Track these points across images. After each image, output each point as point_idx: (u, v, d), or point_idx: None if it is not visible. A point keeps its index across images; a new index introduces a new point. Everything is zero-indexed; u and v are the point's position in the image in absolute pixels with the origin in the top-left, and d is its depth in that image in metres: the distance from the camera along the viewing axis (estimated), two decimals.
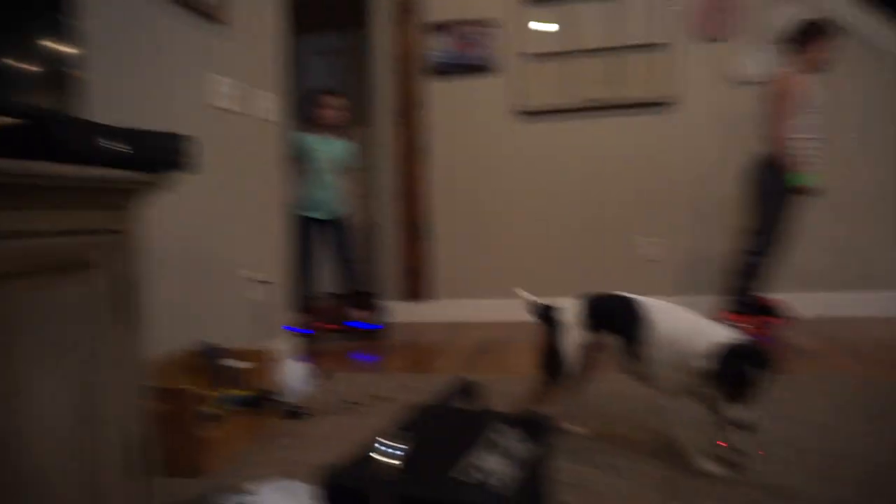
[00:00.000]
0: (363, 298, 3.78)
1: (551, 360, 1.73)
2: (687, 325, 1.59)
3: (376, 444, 0.81)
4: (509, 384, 2.43)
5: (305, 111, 3.57)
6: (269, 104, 2.74)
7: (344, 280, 3.74)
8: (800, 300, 3.51)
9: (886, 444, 1.72)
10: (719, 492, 1.48)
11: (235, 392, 2.00)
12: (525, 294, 1.89)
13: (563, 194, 3.82)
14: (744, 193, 3.05)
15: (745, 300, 2.93)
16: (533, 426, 1.07)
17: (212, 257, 2.32)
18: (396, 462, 0.81)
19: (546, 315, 1.80)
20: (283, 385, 2.35)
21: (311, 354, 3.16)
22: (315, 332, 3.53)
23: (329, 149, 3.60)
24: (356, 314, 3.67)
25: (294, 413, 2.14)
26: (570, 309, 1.76)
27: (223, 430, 1.79)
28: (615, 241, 3.76)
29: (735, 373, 1.42)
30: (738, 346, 1.47)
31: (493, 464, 0.91)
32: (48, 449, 0.96)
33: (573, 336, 1.70)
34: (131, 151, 1.03)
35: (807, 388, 2.24)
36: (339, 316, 3.72)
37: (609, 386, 2.15)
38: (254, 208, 2.64)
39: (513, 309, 3.83)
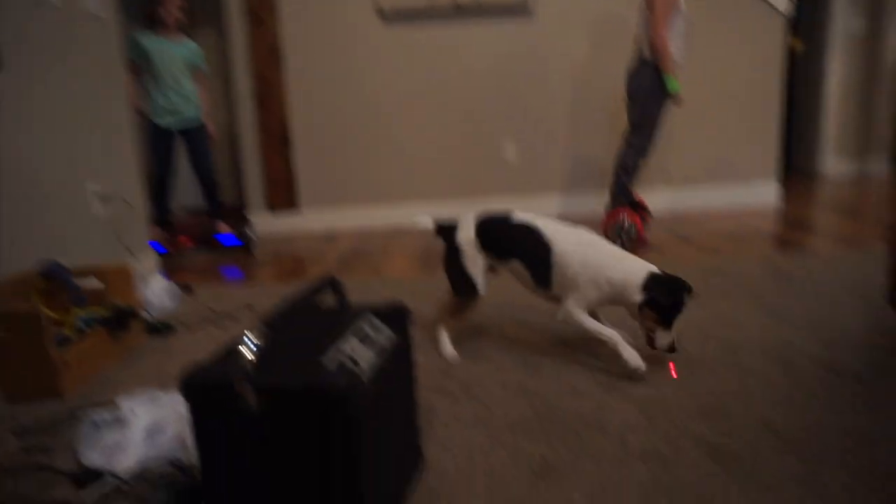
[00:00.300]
0: (225, 211, 3.66)
1: (458, 279, 1.71)
2: (597, 252, 1.59)
3: (236, 341, 0.81)
4: (382, 286, 2.49)
5: (142, 10, 3.26)
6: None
7: (204, 192, 3.58)
8: (656, 196, 3.84)
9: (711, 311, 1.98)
10: (576, 367, 1.64)
11: (91, 312, 1.88)
12: (423, 221, 1.80)
13: (428, 98, 3.79)
14: (623, 94, 3.13)
15: (628, 196, 3.09)
16: (394, 316, 1.11)
17: (53, 171, 2.09)
18: (257, 355, 0.81)
19: (447, 236, 1.74)
20: (145, 302, 2.25)
21: (176, 270, 3.02)
22: (177, 247, 3.37)
23: (171, 51, 3.33)
24: (220, 227, 3.55)
25: (158, 328, 2.07)
26: (466, 230, 1.70)
27: (81, 350, 1.70)
28: (482, 145, 3.84)
29: (670, 303, 1.51)
30: (668, 279, 1.54)
31: (355, 352, 0.94)
32: None
33: (474, 258, 1.69)
34: None
35: None
36: (202, 230, 3.58)
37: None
38: (95, 116, 2.38)
39: (383, 215, 3.88)
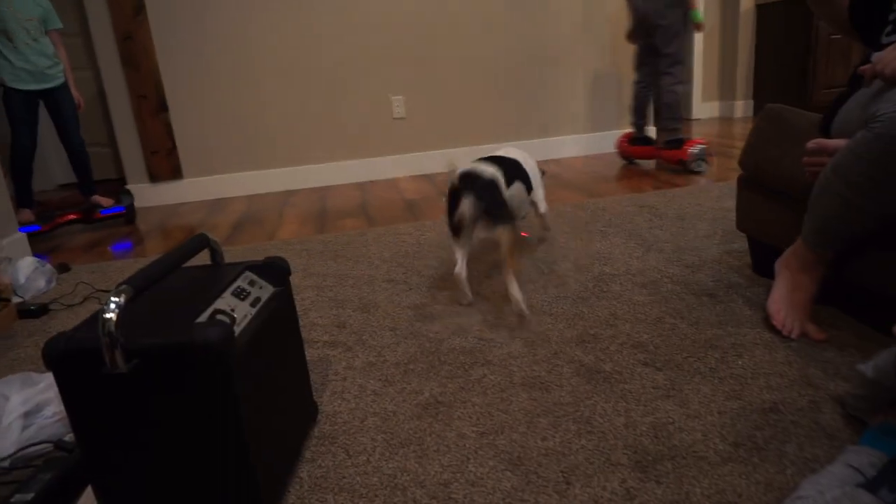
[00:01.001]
0: (89, 182, 3.39)
1: (504, 211, 1.61)
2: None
3: (103, 306, 0.79)
4: (275, 249, 2.45)
5: None
6: None
7: (75, 163, 3.31)
8: (533, 147, 3.96)
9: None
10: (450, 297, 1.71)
11: None
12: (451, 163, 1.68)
13: (310, 55, 3.67)
14: (647, 29, 3.22)
15: (681, 124, 3.27)
16: (273, 271, 1.12)
17: None
18: (121, 316, 0.79)
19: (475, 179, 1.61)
20: (15, 285, 2.10)
21: (52, 251, 2.82)
22: (48, 226, 3.13)
23: (21, 6, 3.00)
24: (95, 200, 3.32)
25: (31, 311, 1.94)
26: (492, 169, 1.65)
27: None
28: (371, 102, 3.79)
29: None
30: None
31: (231, 306, 0.94)
32: None
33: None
34: None
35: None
36: (74, 204, 3.34)
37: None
38: None
39: (273, 180, 3.78)
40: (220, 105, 3.65)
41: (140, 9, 3.45)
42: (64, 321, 1.87)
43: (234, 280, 1.02)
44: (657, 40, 3.19)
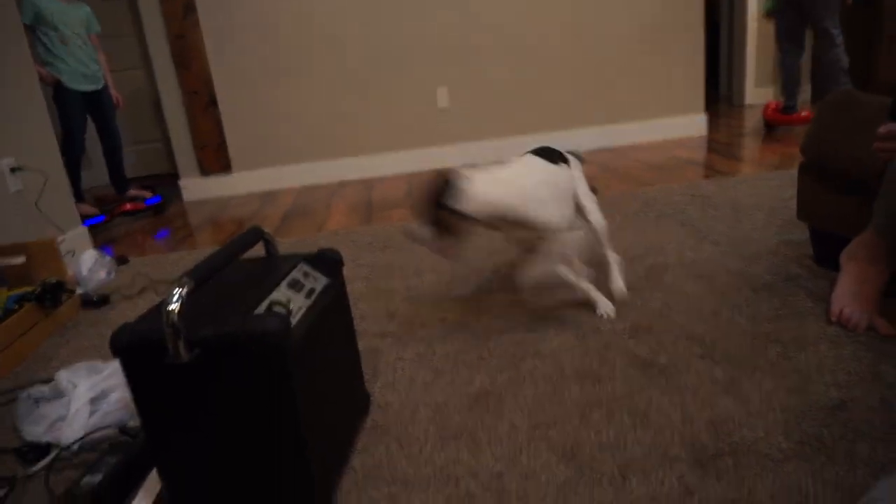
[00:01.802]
0: (124, 179, 3.56)
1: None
2: None
3: (166, 297, 0.81)
4: (324, 241, 2.48)
5: None
6: None
7: (112, 161, 3.48)
8: (585, 135, 3.90)
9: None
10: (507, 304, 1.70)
11: (18, 290, 1.82)
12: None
13: (354, 48, 3.69)
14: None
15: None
16: (326, 262, 1.13)
17: None
18: (184, 307, 0.81)
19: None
20: (78, 276, 2.18)
21: (108, 241, 2.93)
22: (106, 217, 3.26)
23: (71, 13, 3.18)
24: (134, 192, 3.49)
25: (93, 302, 2.02)
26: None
27: (9, 329, 1.65)
28: (415, 93, 3.79)
29: None
30: None
31: (287, 298, 0.96)
32: None
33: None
34: None
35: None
36: (121, 196, 3.51)
37: None
38: (2, 86, 2.25)
39: (321, 171, 3.82)
40: (268, 99, 3.72)
41: (191, 10, 3.53)
42: (124, 311, 1.94)
43: (289, 272, 1.03)
44: (818, 11, 3.26)
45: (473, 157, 3.87)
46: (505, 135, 3.87)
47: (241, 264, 1.09)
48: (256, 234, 1.08)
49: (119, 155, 3.52)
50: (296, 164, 3.83)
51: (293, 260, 1.09)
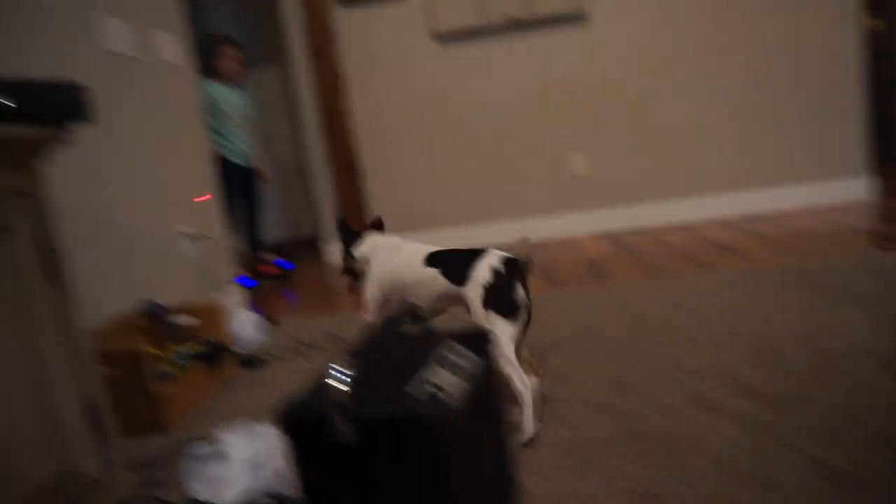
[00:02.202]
0: (261, 245, 3.86)
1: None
2: None
3: (328, 372, 0.83)
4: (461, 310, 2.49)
5: (204, 60, 3.49)
6: (173, 47, 2.58)
7: (251, 227, 3.78)
8: (725, 199, 3.70)
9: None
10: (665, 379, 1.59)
11: (187, 347, 1.98)
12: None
13: (488, 115, 3.80)
14: None
15: None
16: (475, 341, 1.11)
17: (144, 215, 2.23)
18: (348, 386, 0.83)
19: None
20: (235, 336, 2.34)
21: (258, 302, 3.14)
22: (258, 280, 3.52)
23: (233, 97, 3.60)
24: (271, 256, 3.75)
25: (249, 362, 2.15)
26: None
27: (180, 386, 1.79)
28: (545, 160, 3.80)
29: None
30: None
31: (444, 378, 0.95)
32: (6, 417, 0.94)
33: None
34: (24, 104, 0.96)
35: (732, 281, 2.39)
36: (265, 261, 3.78)
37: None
38: (178, 159, 2.53)
39: (454, 237, 3.90)
40: (407, 167, 3.89)
41: (341, 84, 3.82)
42: (276, 373, 2.04)
43: (440, 349, 1.03)
44: None
45: (608, 224, 3.78)
46: (641, 201, 3.76)
47: (393, 338, 1.11)
48: (408, 311, 1.09)
49: (259, 220, 3.81)
50: (432, 229, 3.94)
51: (443, 337, 1.08)
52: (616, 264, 2.91)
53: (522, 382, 1.37)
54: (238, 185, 3.61)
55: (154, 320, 2.05)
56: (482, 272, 1.57)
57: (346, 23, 3.80)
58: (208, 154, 2.81)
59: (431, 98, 3.81)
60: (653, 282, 2.50)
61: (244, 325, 2.42)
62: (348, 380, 0.82)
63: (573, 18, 3.63)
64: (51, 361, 1.04)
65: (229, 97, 3.56)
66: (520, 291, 1.53)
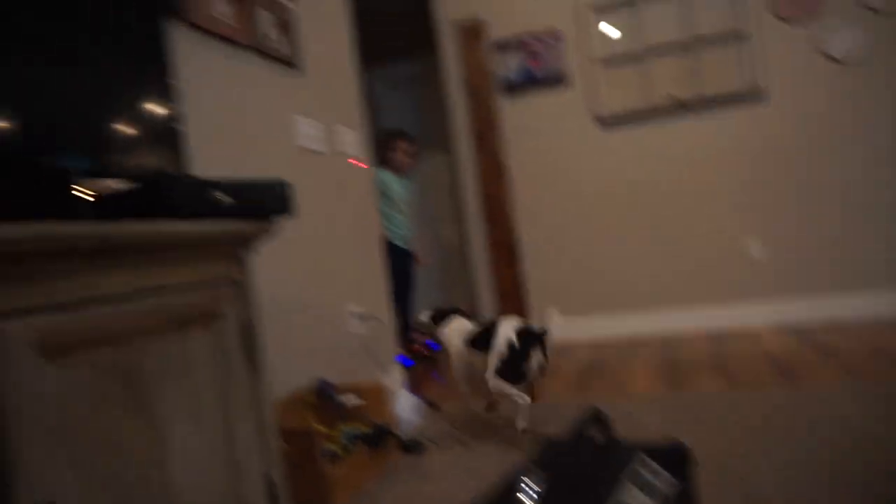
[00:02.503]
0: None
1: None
2: None
3: (516, 483, 0.77)
4: (632, 406, 2.32)
5: (380, 152, 3.79)
6: (352, 141, 2.81)
7: (402, 307, 3.83)
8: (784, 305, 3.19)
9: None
10: None
11: (354, 428, 2.02)
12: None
13: (655, 199, 3.66)
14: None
15: None
16: (671, 457, 1.00)
17: (317, 296, 2.38)
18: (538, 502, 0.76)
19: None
20: (398, 418, 2.36)
21: (415, 384, 3.17)
22: (415, 360, 3.57)
23: (402, 187, 3.83)
24: (422, 336, 3.77)
25: (410, 447, 2.14)
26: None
27: (345, 467, 1.81)
28: (718, 244, 3.55)
29: None
30: None
31: (638, 500, 0.85)
32: (198, 497, 0.98)
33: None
34: (243, 202, 1.06)
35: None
36: (416, 341, 3.80)
37: None
38: (351, 243, 2.70)
39: (617, 325, 3.73)
40: (568, 250, 3.83)
41: (503, 170, 3.92)
42: (436, 462, 2.00)
43: (631, 464, 0.93)
44: None
45: (791, 316, 3.40)
46: (832, 290, 3.35)
47: (577, 447, 1.03)
48: (594, 416, 1.01)
49: (412, 300, 3.92)
50: (592, 314, 3.80)
51: (633, 450, 0.98)
52: (804, 363, 2.58)
53: (521, 397, 1.98)
54: (398, 265, 3.77)
55: (323, 398, 2.13)
56: (499, 343, 2.00)
57: (508, 111, 3.93)
58: (378, 237, 2.97)
59: (593, 181, 3.77)
60: (854, 384, 2.17)
61: (405, 407, 2.44)
62: (538, 497, 0.76)
63: (747, 97, 3.45)
64: (244, 440, 1.09)
65: (397, 185, 3.80)
66: (533, 361, 1.96)
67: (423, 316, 2.51)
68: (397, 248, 3.76)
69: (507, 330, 2.01)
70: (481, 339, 2.10)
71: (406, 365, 3.35)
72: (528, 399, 1.98)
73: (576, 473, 0.92)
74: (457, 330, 2.30)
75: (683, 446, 1.00)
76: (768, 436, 1.81)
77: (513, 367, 1.96)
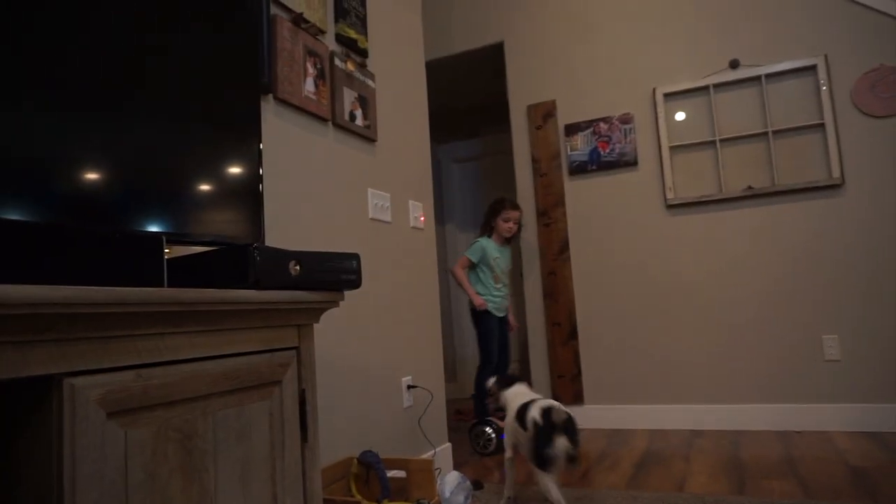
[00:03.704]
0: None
1: None
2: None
3: None
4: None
5: (487, 219, 3.75)
6: (419, 213, 2.86)
7: (502, 369, 3.66)
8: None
9: None
10: None
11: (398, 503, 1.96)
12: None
13: (723, 289, 3.54)
14: None
15: None
16: None
17: (372, 364, 2.38)
18: None
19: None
20: (440, 496, 2.28)
21: (459, 463, 3.07)
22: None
23: (503, 256, 3.73)
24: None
25: None
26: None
27: None
28: (792, 341, 3.38)
29: None
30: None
31: None
32: None
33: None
34: (316, 274, 1.08)
35: None
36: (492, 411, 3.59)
37: None
38: (412, 314, 2.70)
39: (676, 417, 3.55)
40: (628, 334, 3.72)
41: (565, 248, 3.90)
42: None
43: None
44: None
45: (863, 422, 3.15)
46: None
47: None
48: None
49: (505, 368, 3.71)
50: (649, 404, 3.64)
51: None
52: (888, 478, 2.36)
53: (550, 492, 1.94)
54: (493, 334, 3.63)
55: (370, 470, 2.09)
56: (529, 424, 1.96)
57: (575, 191, 3.94)
58: (437, 310, 2.97)
59: (656, 266, 3.69)
60: None
61: (450, 486, 2.36)
62: None
63: (824, 189, 3.35)
64: None
65: (498, 254, 3.71)
66: (559, 444, 1.88)
67: (491, 381, 2.50)
68: (493, 316, 3.64)
69: (535, 410, 1.97)
70: (521, 415, 2.11)
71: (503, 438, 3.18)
72: (559, 497, 1.92)
73: None
74: (517, 394, 2.29)
75: None
76: None
77: (537, 452, 1.92)
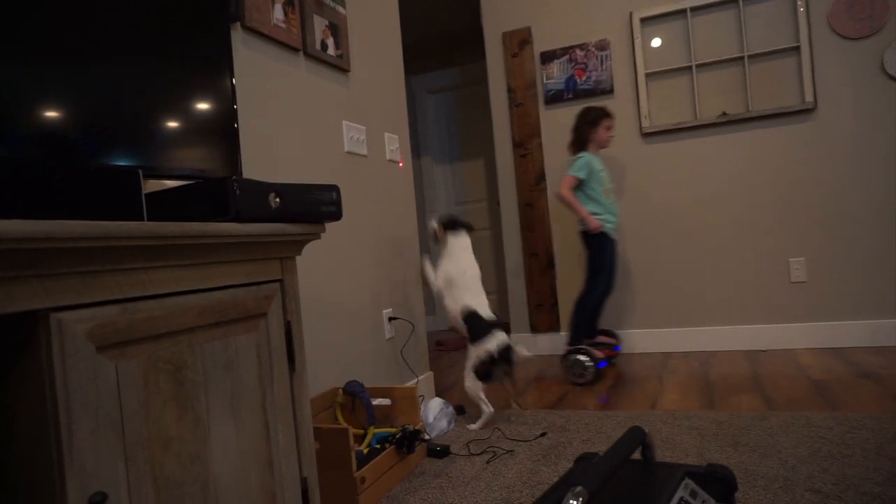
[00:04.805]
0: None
1: None
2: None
3: (561, 501, 0.77)
4: (658, 422, 2.29)
5: (581, 132, 3.36)
6: (394, 146, 2.82)
7: (602, 301, 3.42)
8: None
9: None
10: None
11: (383, 430, 2.03)
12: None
13: (691, 218, 3.60)
14: None
15: None
16: (714, 482, 0.98)
17: (354, 298, 2.40)
18: None
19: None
20: (423, 421, 2.36)
21: (445, 391, 3.16)
22: (607, 363, 3.30)
23: (606, 168, 3.41)
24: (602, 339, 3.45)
25: (437, 451, 2.14)
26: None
27: (374, 468, 1.82)
28: (759, 263, 3.48)
29: None
30: None
31: None
32: (235, 496, 1.00)
33: None
34: (297, 205, 1.07)
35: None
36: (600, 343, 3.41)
37: None
38: (391, 245, 2.71)
39: (651, 341, 3.67)
40: None
41: (541, 179, 3.90)
42: (462, 469, 2.00)
43: (676, 489, 0.91)
44: None
45: (834, 339, 3.30)
46: (876, 314, 3.24)
47: (622, 465, 1.01)
48: (639, 437, 1.00)
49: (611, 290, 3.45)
50: (624, 330, 3.75)
51: (677, 473, 0.97)
52: (847, 389, 2.50)
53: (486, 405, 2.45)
54: (612, 255, 3.31)
55: (355, 399, 2.15)
56: (481, 351, 2.42)
57: (551, 120, 3.91)
58: (416, 241, 2.98)
59: (632, 196, 3.73)
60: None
61: (433, 411, 2.44)
62: None
63: (797, 114, 3.37)
64: (282, 441, 1.10)
65: (605, 168, 3.37)
66: (498, 371, 2.46)
67: (433, 221, 2.72)
68: (608, 238, 3.28)
69: (491, 344, 2.43)
70: (474, 329, 2.50)
71: (600, 367, 3.12)
72: (491, 409, 2.46)
73: (619, 495, 0.91)
74: (461, 252, 2.66)
75: (726, 470, 0.98)
76: (813, 464, 1.76)
77: (484, 371, 2.44)
